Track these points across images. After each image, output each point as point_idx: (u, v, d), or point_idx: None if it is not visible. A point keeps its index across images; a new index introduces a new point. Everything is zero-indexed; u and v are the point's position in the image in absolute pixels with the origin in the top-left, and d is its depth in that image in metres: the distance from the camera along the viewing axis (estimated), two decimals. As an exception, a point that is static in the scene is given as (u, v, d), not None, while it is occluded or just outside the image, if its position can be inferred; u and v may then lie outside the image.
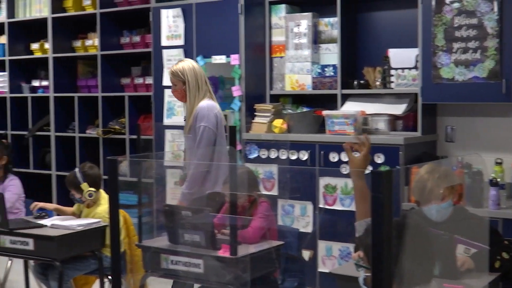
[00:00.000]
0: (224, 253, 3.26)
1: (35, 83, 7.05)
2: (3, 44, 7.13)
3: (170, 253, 3.41)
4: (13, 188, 5.15)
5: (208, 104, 4.23)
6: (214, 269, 3.26)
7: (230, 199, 3.22)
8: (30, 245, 4.15)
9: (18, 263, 4.95)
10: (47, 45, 6.80)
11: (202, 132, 4.17)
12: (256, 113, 5.24)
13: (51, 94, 6.74)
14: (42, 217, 4.55)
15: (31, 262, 4.72)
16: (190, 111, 4.24)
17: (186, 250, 3.35)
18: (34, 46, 6.91)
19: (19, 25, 7.07)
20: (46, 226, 4.30)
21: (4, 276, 5.13)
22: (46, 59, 6.77)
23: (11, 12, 7.06)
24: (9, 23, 7.05)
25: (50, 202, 6.62)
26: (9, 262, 5.04)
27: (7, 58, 7.07)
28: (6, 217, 4.22)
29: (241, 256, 3.22)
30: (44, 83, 6.94)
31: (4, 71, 7.15)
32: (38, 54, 6.93)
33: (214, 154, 4.23)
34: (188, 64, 4.30)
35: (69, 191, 4.54)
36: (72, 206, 4.72)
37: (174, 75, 4.28)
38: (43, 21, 6.75)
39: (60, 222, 4.32)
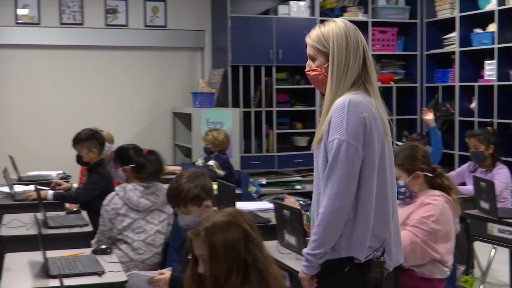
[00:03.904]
0: None
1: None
2: (492, 32, 7.09)
3: None
4: (501, 177, 5.11)
5: (352, 99, 2.47)
6: None
7: None
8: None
9: (503, 253, 4.88)
10: (539, 31, 6.53)
11: (336, 150, 2.45)
12: None
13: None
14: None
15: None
16: (326, 110, 2.55)
17: None
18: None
19: (510, 12, 6.94)
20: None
21: (487, 265, 5.12)
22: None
23: (502, -1, 6.99)
24: (499, 10, 6.97)
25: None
26: (493, 250, 5.01)
27: (496, 46, 7.02)
28: (495, 205, 4.19)
29: None
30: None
31: (492, 59, 7.12)
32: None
33: (362, 191, 2.47)
34: (339, 26, 2.58)
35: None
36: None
37: (314, 41, 2.61)
38: (536, 6, 6.50)
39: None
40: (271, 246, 3.40)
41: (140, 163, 4.27)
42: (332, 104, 2.51)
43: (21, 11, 7.51)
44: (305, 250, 2.54)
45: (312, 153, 7.11)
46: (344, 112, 2.43)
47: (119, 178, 4.34)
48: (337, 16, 7.78)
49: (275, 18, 7.55)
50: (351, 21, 7.65)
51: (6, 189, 5.41)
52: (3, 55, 7.53)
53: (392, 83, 8.07)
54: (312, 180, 7.47)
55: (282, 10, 7.59)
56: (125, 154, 4.33)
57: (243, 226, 2.20)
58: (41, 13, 7.57)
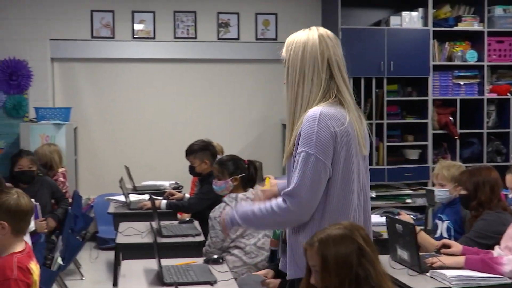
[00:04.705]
0: None
1: None
2: None
3: None
4: None
5: (324, 111, 2.36)
6: None
7: None
8: None
9: None
10: None
11: (303, 163, 2.35)
12: None
13: None
14: None
15: None
16: (291, 124, 2.48)
17: None
18: None
19: None
20: None
21: None
22: None
23: None
24: None
25: None
26: None
27: None
28: None
29: None
30: None
31: None
32: None
33: (329, 207, 2.40)
34: (303, 35, 2.52)
35: None
36: None
37: (284, 47, 2.59)
38: None
39: None
40: (383, 261, 3.33)
41: (248, 173, 4.36)
42: (292, 115, 2.44)
43: (137, 26, 7.81)
44: (236, 216, 2.49)
45: (424, 167, 7.02)
46: (315, 125, 2.32)
47: (223, 189, 4.41)
48: (451, 27, 7.59)
49: (387, 29, 7.45)
50: (466, 31, 7.43)
51: (122, 198, 5.61)
52: (120, 69, 7.85)
53: (509, 94, 7.74)
54: (423, 194, 7.34)
55: (394, 21, 7.48)
56: (234, 164, 4.41)
57: (357, 241, 2.17)
58: (156, 28, 7.84)
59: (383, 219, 4.46)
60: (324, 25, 7.88)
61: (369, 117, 7.37)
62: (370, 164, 7.27)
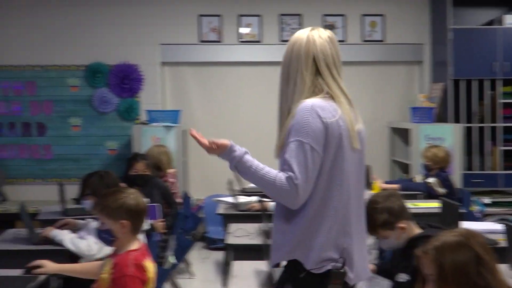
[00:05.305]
0: None
1: None
2: None
3: None
4: None
5: (316, 103, 2.39)
6: None
7: None
8: None
9: None
10: None
11: (297, 151, 2.36)
12: None
13: None
14: None
15: None
16: (279, 119, 2.57)
17: None
18: None
19: None
20: None
21: None
22: None
23: None
24: None
25: None
26: None
27: None
28: None
29: None
30: None
31: None
32: None
33: (312, 199, 2.36)
34: (295, 35, 2.54)
35: None
36: None
37: None
38: None
39: None
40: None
41: None
42: (280, 111, 2.53)
43: (243, 30, 7.91)
44: (239, 157, 2.62)
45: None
46: (308, 115, 2.35)
47: None
48: None
49: (501, 28, 7.18)
50: None
51: (230, 199, 5.69)
52: (227, 72, 7.96)
53: None
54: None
55: (509, 20, 7.20)
56: None
57: (474, 248, 2.09)
58: (262, 31, 7.90)
59: (499, 226, 4.30)
60: (433, 25, 7.72)
61: (481, 120, 7.13)
62: (483, 168, 7.11)
